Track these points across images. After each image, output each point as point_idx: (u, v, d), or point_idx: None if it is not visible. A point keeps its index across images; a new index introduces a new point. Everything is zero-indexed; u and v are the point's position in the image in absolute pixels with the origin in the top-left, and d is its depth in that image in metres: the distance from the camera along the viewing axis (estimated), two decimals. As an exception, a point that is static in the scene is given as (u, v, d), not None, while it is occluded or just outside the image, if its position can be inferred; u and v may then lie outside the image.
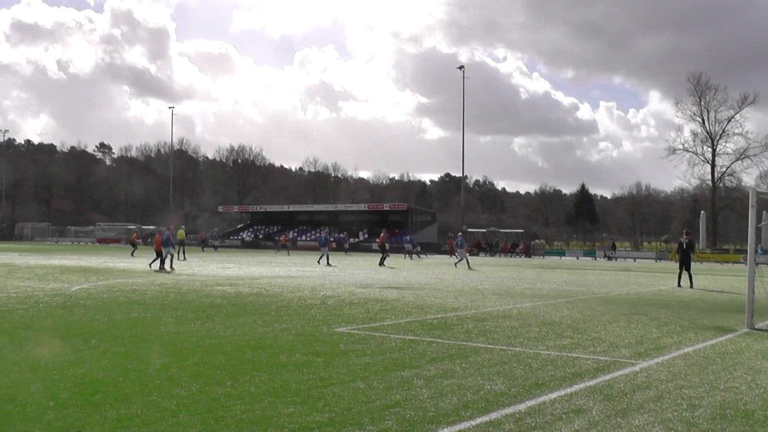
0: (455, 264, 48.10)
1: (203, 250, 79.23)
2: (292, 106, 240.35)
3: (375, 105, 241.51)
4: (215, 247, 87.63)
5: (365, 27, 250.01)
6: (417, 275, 35.88)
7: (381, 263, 46.95)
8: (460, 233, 60.48)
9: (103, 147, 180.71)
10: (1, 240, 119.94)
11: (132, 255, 58.90)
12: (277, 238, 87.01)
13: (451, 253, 70.99)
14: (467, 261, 48.28)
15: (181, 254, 51.63)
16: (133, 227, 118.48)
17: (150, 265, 39.41)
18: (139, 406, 8.35)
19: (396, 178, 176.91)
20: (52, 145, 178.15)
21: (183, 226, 62.73)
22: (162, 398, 8.74)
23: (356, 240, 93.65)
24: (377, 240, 61.53)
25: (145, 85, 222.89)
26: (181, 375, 10.09)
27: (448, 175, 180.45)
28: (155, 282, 28.55)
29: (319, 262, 46.86)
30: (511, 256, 77.62)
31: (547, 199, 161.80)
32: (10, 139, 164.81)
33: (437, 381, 9.93)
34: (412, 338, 13.97)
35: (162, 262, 38.42)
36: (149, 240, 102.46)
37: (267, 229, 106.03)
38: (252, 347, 12.64)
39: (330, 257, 48.76)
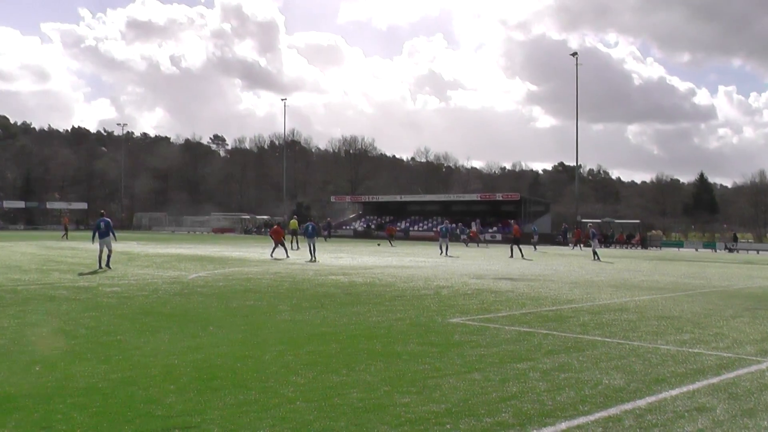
0: (594, 257, 46.97)
1: (326, 240, 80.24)
2: (401, 96, 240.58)
3: (484, 94, 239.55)
4: (326, 237, 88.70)
5: (472, 15, 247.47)
6: (531, 266, 35.53)
7: (511, 255, 46.59)
8: (590, 225, 60.05)
9: (217, 139, 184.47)
10: (120, 229, 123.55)
11: (64, 238, 64.82)
12: (387, 227, 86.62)
13: (577, 243, 69.59)
14: (596, 253, 47.19)
15: (294, 243, 52.28)
16: (247, 217, 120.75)
17: (271, 254, 40.02)
18: (256, 392, 8.47)
19: (508, 167, 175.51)
20: (167, 137, 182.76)
21: (296, 217, 63.60)
22: (279, 385, 8.85)
23: (468, 230, 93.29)
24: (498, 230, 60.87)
25: (255, 77, 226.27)
26: (297, 362, 10.20)
27: (561, 164, 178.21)
28: (270, 271, 28.98)
29: (441, 253, 46.64)
30: (626, 248, 76.10)
31: (664, 188, 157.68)
32: (128, 132, 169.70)
33: (554, 374, 9.79)
34: (527, 330, 13.83)
35: (285, 250, 39.81)
36: (263, 230, 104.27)
37: (379, 219, 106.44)
38: (366, 336, 12.71)
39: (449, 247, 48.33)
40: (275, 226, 42.41)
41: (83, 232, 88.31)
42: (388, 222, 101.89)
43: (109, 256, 28.46)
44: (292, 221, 56.15)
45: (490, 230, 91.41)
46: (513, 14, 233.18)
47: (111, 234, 28.84)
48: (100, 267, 27.99)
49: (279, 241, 40.79)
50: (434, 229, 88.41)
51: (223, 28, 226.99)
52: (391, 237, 69.67)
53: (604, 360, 10.91)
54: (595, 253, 46.39)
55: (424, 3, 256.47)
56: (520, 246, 48.99)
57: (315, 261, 36.00)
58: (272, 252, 40.36)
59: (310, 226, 39.36)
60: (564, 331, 13.84)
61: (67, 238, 65.36)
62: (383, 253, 47.72)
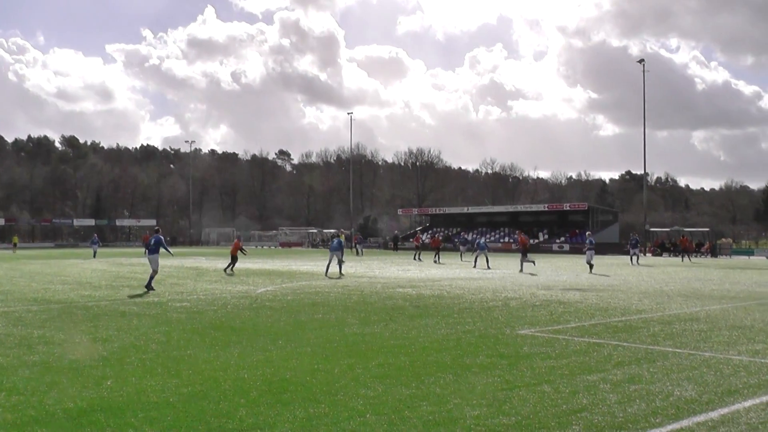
0: (632, 260, 47.80)
1: (395, 250, 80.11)
2: (463, 107, 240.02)
3: (546, 103, 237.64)
4: (395, 247, 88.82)
5: (531, 23, 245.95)
6: (599, 277, 35.16)
7: (521, 269, 45.98)
8: (632, 233, 59.77)
9: (283, 154, 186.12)
10: (189, 245, 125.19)
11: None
12: (434, 237, 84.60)
13: (684, 253, 67.01)
14: (634, 258, 48.15)
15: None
16: (315, 231, 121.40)
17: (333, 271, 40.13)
18: (326, 406, 8.52)
19: (574, 177, 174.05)
20: (234, 153, 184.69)
21: (342, 231, 63.13)
22: (349, 398, 8.89)
23: (536, 240, 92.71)
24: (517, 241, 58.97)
25: (316, 92, 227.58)
26: (367, 375, 10.24)
27: (628, 172, 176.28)
28: (338, 285, 29.11)
29: (474, 266, 45.92)
30: (696, 256, 74.84)
31: (733, 195, 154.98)
32: (195, 149, 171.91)
33: (624, 386, 9.69)
34: (596, 341, 13.70)
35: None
36: (328, 243, 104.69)
37: (447, 231, 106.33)
38: (435, 349, 12.71)
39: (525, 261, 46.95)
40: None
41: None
42: (455, 235, 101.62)
43: (151, 277, 26.17)
44: (340, 235, 55.78)
45: (557, 240, 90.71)
46: (572, 21, 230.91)
47: (161, 250, 26.74)
48: (148, 288, 25.72)
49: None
50: (456, 240, 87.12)
51: (282, 43, 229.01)
52: (437, 250, 58.85)
53: (675, 371, 10.76)
54: (632, 258, 47.26)
55: (481, 12, 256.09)
56: (528, 257, 46.31)
57: (340, 276, 34.56)
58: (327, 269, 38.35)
59: (335, 241, 37.48)
60: (634, 341, 13.68)
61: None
62: (451, 265, 47.53)
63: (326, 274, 34.86)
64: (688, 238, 70.58)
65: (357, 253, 72.45)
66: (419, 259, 56.79)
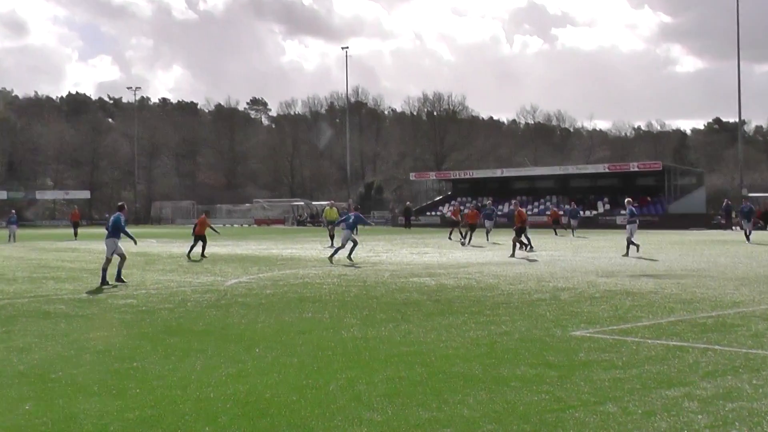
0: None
1: (408, 227, 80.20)
2: (493, 38, 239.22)
3: (602, 30, 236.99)
4: (408, 223, 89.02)
5: None
6: (680, 258, 35.11)
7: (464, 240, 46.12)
8: (727, 201, 59.72)
9: (258, 104, 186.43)
10: (135, 223, 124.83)
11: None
12: (453, 209, 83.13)
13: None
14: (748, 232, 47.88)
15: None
16: (301, 204, 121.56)
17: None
18: (319, 434, 8.50)
19: (643, 128, 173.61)
20: (193, 103, 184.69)
21: (331, 203, 60.38)
22: (349, 424, 8.86)
23: (593, 212, 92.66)
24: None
25: (298, 21, 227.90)
26: (372, 393, 10.21)
27: (717, 120, 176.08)
28: (333, 273, 29.12)
29: (488, 239, 46.12)
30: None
31: None
32: (143, 98, 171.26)
33: (717, 403, 9.64)
34: (677, 344, 13.66)
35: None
36: (320, 220, 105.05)
37: (475, 202, 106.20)
38: (462, 357, 12.69)
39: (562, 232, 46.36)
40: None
41: (91, 229, 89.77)
42: (487, 206, 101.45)
43: (119, 268, 25.94)
44: (327, 210, 54.51)
45: (622, 212, 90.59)
46: None
47: (119, 235, 25.89)
48: (103, 283, 25.25)
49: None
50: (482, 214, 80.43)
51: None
52: (471, 228, 54.80)
53: (786, 383, 10.73)
54: (746, 233, 47.24)
55: None
56: (461, 230, 48.63)
57: (350, 262, 34.34)
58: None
59: (353, 216, 36.22)
60: (729, 344, 13.65)
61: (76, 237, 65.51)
62: (482, 246, 47.46)
63: (330, 260, 34.33)
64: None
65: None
66: (465, 240, 53.32)
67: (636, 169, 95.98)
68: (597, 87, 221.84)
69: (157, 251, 44.05)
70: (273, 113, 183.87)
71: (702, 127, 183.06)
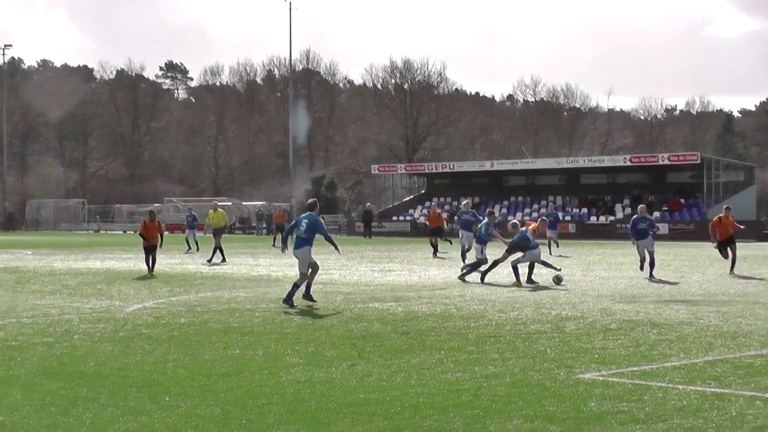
0: None
1: (369, 236, 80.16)
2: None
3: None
4: (368, 231, 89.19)
5: None
6: (721, 279, 35.27)
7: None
8: None
9: (173, 70, 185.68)
10: (2, 229, 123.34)
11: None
12: (427, 213, 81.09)
13: None
14: None
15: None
16: (229, 203, 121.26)
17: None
18: None
19: (679, 107, 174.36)
20: (85, 67, 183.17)
21: (216, 205, 57.16)
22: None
23: (609, 218, 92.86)
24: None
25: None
26: (320, 458, 10.20)
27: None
28: (268, 296, 29.07)
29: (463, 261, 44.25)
30: None
31: None
32: (13, 59, 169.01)
33: (767, 468, 9.70)
34: (716, 391, 13.74)
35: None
36: (253, 225, 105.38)
37: (455, 203, 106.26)
38: (437, 407, 12.74)
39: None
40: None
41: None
42: (474, 208, 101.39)
43: None
44: (212, 213, 51.73)
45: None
46: None
47: None
48: None
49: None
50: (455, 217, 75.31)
51: None
52: (437, 234, 56.11)
53: None
54: None
55: None
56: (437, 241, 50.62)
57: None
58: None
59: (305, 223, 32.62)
60: (785, 391, 13.71)
61: None
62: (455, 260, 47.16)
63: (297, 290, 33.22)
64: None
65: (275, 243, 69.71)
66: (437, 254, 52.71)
67: (667, 161, 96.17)
68: (616, 56, 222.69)
69: (32, 266, 43.82)
70: (194, 83, 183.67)
71: (753, 108, 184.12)
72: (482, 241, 35.47)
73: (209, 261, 47.63)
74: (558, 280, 32.25)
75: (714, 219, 40.04)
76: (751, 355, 17.13)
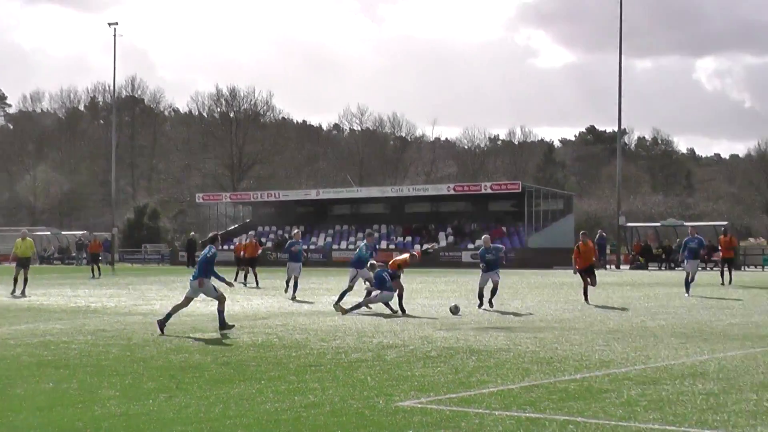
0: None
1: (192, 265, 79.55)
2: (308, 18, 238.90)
3: (444, 12, 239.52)
4: (191, 263, 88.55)
5: None
6: (539, 306, 35.72)
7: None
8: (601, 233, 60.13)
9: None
10: None
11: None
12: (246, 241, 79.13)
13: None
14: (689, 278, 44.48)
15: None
16: (47, 233, 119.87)
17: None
18: None
19: (501, 137, 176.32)
20: None
21: (24, 233, 54.76)
22: None
23: (433, 246, 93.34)
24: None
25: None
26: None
27: (591, 129, 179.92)
28: (85, 328, 28.74)
29: (287, 290, 43.81)
30: (706, 267, 76.68)
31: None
32: None
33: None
34: (531, 416, 13.91)
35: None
36: (73, 255, 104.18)
37: (281, 232, 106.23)
38: (254, 437, 12.66)
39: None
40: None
41: None
42: (296, 238, 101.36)
43: None
44: (20, 241, 49.10)
45: (469, 245, 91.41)
46: None
47: None
48: None
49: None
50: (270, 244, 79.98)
51: None
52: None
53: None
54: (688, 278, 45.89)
55: None
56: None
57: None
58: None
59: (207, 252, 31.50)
60: (596, 415, 13.95)
61: None
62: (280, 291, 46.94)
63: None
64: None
65: (93, 273, 68.57)
66: (246, 282, 54.13)
67: (489, 190, 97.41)
68: (441, 85, 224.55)
69: None
70: (12, 109, 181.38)
71: (573, 138, 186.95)
72: (363, 264, 35.59)
73: (12, 293, 45.04)
74: (456, 309, 32.32)
75: (574, 249, 40.13)
76: (565, 380, 17.36)
